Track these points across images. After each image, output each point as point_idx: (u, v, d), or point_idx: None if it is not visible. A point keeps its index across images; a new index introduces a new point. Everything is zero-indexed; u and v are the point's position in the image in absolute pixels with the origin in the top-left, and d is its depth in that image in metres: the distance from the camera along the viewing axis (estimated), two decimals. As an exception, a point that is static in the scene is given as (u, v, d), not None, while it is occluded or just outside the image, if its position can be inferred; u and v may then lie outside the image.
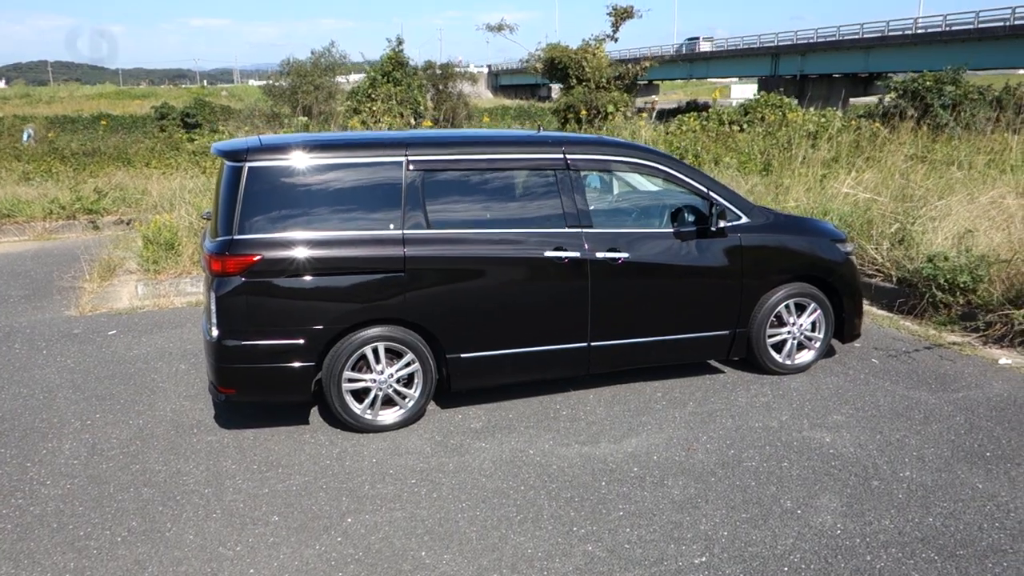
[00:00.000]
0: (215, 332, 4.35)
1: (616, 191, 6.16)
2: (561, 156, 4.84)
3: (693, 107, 64.22)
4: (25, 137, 31.17)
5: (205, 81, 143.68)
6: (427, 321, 4.58)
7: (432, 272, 4.54)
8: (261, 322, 4.34)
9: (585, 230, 4.81)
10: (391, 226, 4.49)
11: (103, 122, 33.70)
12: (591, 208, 4.96)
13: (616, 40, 19.48)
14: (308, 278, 4.36)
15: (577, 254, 4.75)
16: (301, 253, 4.33)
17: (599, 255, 4.80)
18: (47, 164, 15.42)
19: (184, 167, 14.91)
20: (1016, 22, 34.78)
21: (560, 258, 4.72)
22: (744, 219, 5.19)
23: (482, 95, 73.98)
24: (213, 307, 4.33)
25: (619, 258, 4.84)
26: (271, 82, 43.10)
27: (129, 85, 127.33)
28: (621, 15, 18.95)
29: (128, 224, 11.37)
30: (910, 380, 5.35)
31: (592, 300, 4.83)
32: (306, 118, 16.98)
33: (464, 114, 36.61)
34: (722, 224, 5.00)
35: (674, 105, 67.55)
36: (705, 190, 5.09)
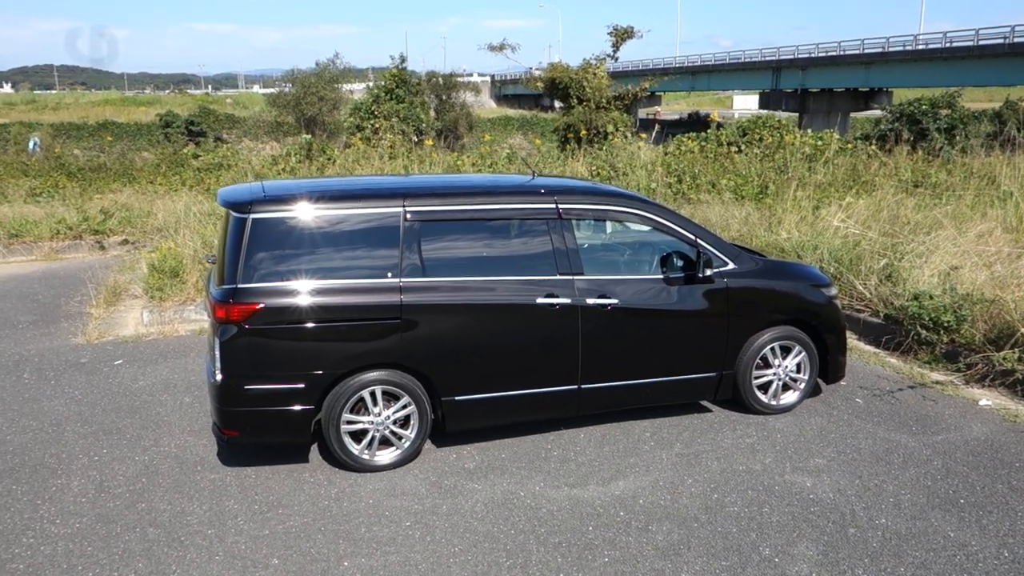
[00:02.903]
0: (219, 376, 4.52)
1: (609, 230, 6.33)
2: (553, 206, 5.02)
3: (695, 118, 64.68)
4: (31, 146, 31.27)
5: (210, 87, 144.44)
6: (423, 365, 4.76)
7: (428, 318, 4.71)
8: (264, 367, 4.53)
9: (576, 277, 4.99)
10: (388, 274, 4.67)
11: (108, 137, 33.87)
12: (582, 254, 5.14)
13: (616, 60, 19.72)
14: (309, 325, 4.54)
15: (568, 301, 4.93)
16: (302, 301, 4.51)
17: (589, 301, 4.97)
18: (53, 179, 15.63)
19: (189, 184, 15.15)
20: (1016, 39, 34.95)
21: (551, 305, 4.90)
22: (731, 265, 5.37)
23: (485, 104, 74.35)
24: (217, 352, 4.51)
25: (609, 304, 5.01)
26: (276, 89, 43.42)
27: (134, 90, 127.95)
28: (622, 35, 19.20)
29: (133, 245, 11.58)
30: (892, 422, 5.52)
31: (582, 344, 5.01)
32: (309, 136, 17.15)
33: (466, 125, 36.86)
34: (709, 271, 5.18)
35: (676, 116, 67.98)
36: (693, 238, 5.27)
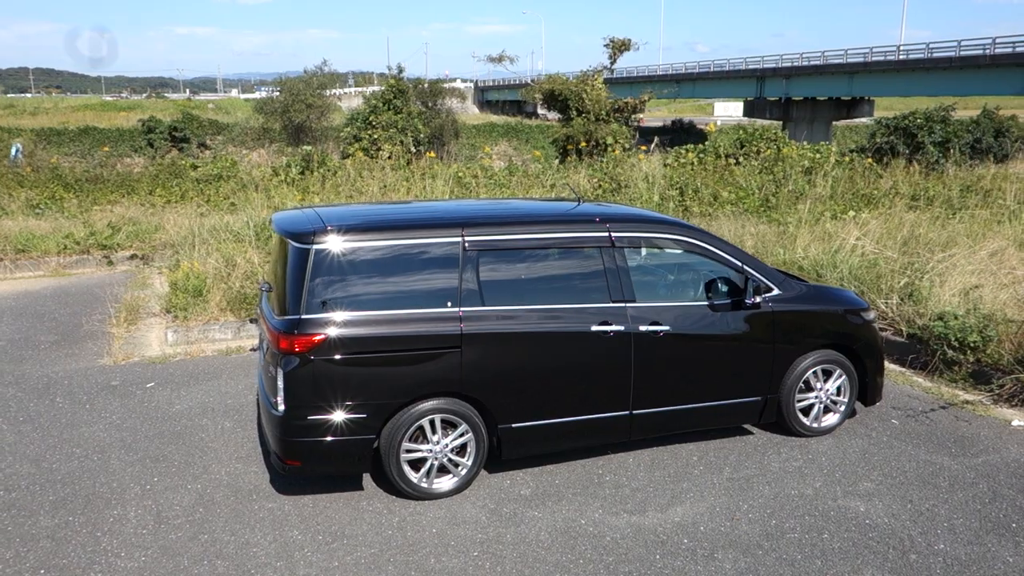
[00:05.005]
0: (282, 407, 4.52)
1: (644, 252, 6.38)
2: (606, 234, 5.08)
3: (679, 126, 65.05)
4: (13, 152, 30.68)
5: (188, 91, 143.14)
6: (481, 393, 4.79)
7: (486, 347, 4.75)
8: (326, 397, 4.53)
9: (629, 304, 5.05)
10: (448, 303, 4.70)
11: (104, 148, 33.49)
12: (633, 281, 5.19)
13: (613, 72, 19.85)
14: (371, 354, 4.56)
15: (622, 328, 4.99)
16: (365, 331, 4.53)
17: (642, 328, 5.04)
18: (51, 191, 15.46)
19: (190, 196, 15.04)
20: (997, 51, 35.65)
21: (606, 332, 4.95)
22: (776, 291, 5.46)
23: (469, 110, 74.30)
24: (280, 383, 4.51)
25: (661, 331, 5.08)
26: (258, 94, 43.16)
27: (112, 94, 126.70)
28: (619, 47, 19.36)
29: (143, 259, 11.49)
30: (930, 443, 5.62)
31: (635, 371, 5.06)
32: (310, 147, 17.09)
33: (452, 132, 36.86)
34: (757, 298, 5.27)
35: (659, 123, 68.31)
36: (740, 264, 5.35)
